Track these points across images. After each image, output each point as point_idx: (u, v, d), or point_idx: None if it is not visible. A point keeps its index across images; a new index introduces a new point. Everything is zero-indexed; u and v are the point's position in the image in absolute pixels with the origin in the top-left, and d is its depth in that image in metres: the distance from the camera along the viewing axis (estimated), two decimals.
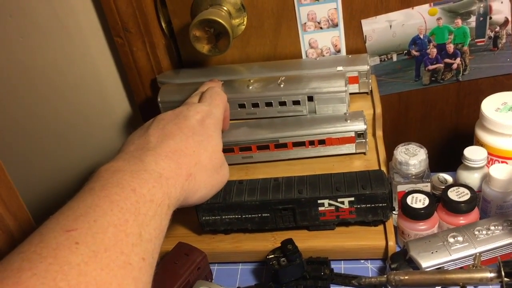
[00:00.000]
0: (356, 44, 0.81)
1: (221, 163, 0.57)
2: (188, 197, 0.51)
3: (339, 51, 0.82)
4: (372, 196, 0.64)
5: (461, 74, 0.82)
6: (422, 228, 0.63)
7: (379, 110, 0.75)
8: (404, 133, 0.90)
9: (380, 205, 0.65)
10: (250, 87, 0.76)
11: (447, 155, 0.87)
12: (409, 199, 0.63)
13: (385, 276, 0.52)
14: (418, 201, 0.63)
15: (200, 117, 0.56)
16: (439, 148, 0.90)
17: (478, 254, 0.54)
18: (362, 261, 0.67)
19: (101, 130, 0.94)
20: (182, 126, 0.54)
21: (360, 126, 0.71)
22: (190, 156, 0.51)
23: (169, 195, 0.46)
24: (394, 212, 0.68)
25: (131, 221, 0.40)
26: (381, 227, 0.68)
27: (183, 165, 0.50)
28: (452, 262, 0.58)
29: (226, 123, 0.65)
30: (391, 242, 0.65)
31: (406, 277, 0.51)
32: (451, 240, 0.59)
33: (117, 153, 0.51)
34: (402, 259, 0.60)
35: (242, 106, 0.77)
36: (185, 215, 0.75)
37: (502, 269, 0.49)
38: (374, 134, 0.77)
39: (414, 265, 0.59)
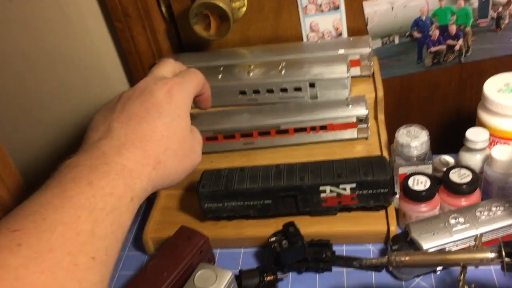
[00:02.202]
0: (357, 27, 0.80)
1: (190, 146, 0.52)
2: (157, 186, 0.47)
3: (340, 34, 0.81)
4: (374, 182, 0.64)
5: (463, 56, 0.82)
6: (423, 210, 0.63)
7: (381, 93, 0.74)
8: (406, 116, 0.89)
9: (382, 191, 0.65)
10: (251, 74, 0.76)
11: (449, 137, 0.86)
12: (410, 182, 0.63)
13: (386, 257, 0.52)
14: (420, 183, 0.63)
15: (167, 90, 0.50)
16: (441, 130, 0.89)
17: (479, 235, 0.54)
18: (364, 244, 0.67)
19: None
20: (148, 106, 0.49)
21: (361, 111, 0.71)
22: (158, 141, 0.47)
23: (132, 187, 0.43)
24: (395, 196, 0.68)
25: (83, 218, 0.38)
26: (382, 212, 0.68)
27: (151, 152, 0.46)
28: (453, 243, 0.58)
29: (206, 103, 0.59)
30: (393, 227, 0.65)
31: (407, 258, 0.51)
32: (452, 221, 0.59)
33: (83, 137, 0.48)
34: (404, 240, 0.60)
35: (243, 92, 0.77)
36: (187, 202, 0.76)
37: (503, 249, 0.49)
38: (376, 118, 0.76)
39: (415, 247, 0.59)
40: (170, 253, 0.63)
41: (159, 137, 0.47)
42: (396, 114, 0.88)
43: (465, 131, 0.67)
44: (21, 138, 0.96)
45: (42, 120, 0.95)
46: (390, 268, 0.63)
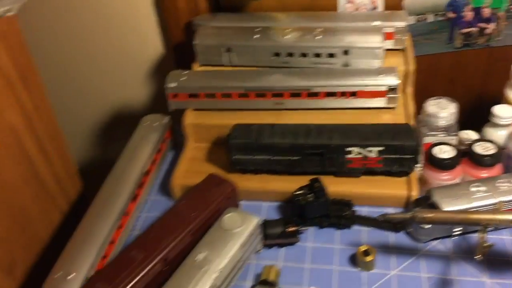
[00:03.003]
0: (393, 3, 0.82)
1: None
2: None
3: (375, 8, 0.83)
4: (401, 147, 0.67)
5: (493, 40, 0.84)
6: (445, 178, 0.65)
7: (412, 67, 0.77)
8: (431, 96, 0.91)
9: (407, 156, 0.67)
10: (286, 37, 0.78)
11: (472, 119, 0.89)
12: (435, 150, 0.66)
13: (410, 213, 0.54)
14: (444, 152, 0.65)
15: None
16: (464, 112, 0.91)
17: (500, 201, 0.56)
18: (384, 207, 0.70)
19: (133, 67, 0.96)
20: None
21: (392, 80, 0.73)
22: None
23: None
24: (418, 165, 0.70)
25: None
26: (404, 178, 0.70)
27: None
28: (473, 210, 0.61)
29: None
30: (414, 192, 0.68)
31: (431, 215, 0.54)
32: (473, 189, 0.62)
33: None
34: (425, 203, 0.63)
35: (277, 54, 0.79)
36: (214, 155, 0.79)
37: None
38: (404, 91, 0.79)
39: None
40: (199, 197, 0.66)
41: None
42: (422, 93, 0.90)
43: (488, 114, 0.69)
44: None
45: (75, 63, 0.97)
46: (408, 230, 0.65)
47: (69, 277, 0.59)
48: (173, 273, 0.58)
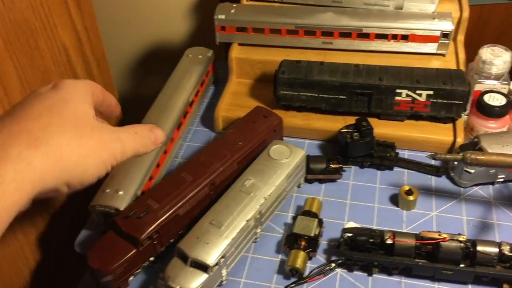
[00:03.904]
0: None
1: (92, 127, 0.44)
2: (54, 169, 0.40)
3: None
4: (451, 92, 0.66)
5: None
6: (493, 126, 0.66)
7: (466, 13, 0.75)
8: (476, 51, 0.90)
9: (457, 102, 0.67)
10: None
11: None
12: (486, 97, 0.65)
13: (462, 154, 0.55)
14: (495, 100, 0.65)
15: (52, 86, 0.45)
16: None
17: None
18: (427, 152, 0.70)
19: (176, 1, 0.95)
20: (28, 98, 0.44)
21: (447, 26, 0.72)
22: (34, 120, 0.40)
23: None
24: (465, 113, 0.70)
25: None
26: (450, 125, 0.70)
27: (21, 132, 0.39)
28: None
29: (111, 109, 0.52)
30: (459, 139, 0.68)
31: (483, 157, 0.54)
32: None
33: None
34: (471, 149, 0.63)
35: None
36: (257, 91, 0.79)
37: None
38: (454, 39, 0.77)
39: None
40: (247, 127, 0.67)
41: (36, 115, 0.41)
42: (468, 44, 0.88)
43: None
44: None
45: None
46: (451, 175, 0.66)
47: (118, 194, 0.61)
48: (219, 198, 0.60)
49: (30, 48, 0.63)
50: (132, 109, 0.86)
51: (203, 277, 0.53)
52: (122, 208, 0.59)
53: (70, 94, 0.44)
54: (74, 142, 0.42)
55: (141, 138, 0.50)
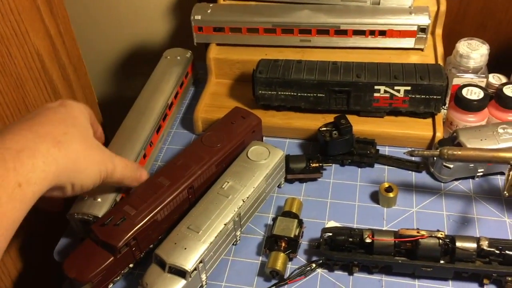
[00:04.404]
0: None
1: (96, 143, 0.52)
2: (67, 169, 0.46)
3: None
4: (429, 87, 0.66)
5: None
6: (472, 120, 0.65)
7: (443, 7, 0.75)
8: (456, 41, 0.90)
9: (435, 97, 0.67)
10: None
11: (500, 66, 0.87)
12: (464, 91, 0.65)
13: (439, 149, 0.55)
14: (473, 94, 0.65)
15: (59, 103, 0.52)
16: (493, 58, 0.90)
17: None
18: (407, 148, 0.70)
19: (154, 2, 0.94)
20: (41, 111, 0.49)
21: (424, 20, 0.72)
22: (55, 126, 0.47)
23: (18, 170, 0.40)
24: (444, 107, 0.70)
25: None
26: (429, 120, 0.70)
27: (47, 134, 0.45)
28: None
29: (98, 134, 0.58)
30: (439, 133, 0.68)
31: (460, 152, 0.54)
32: (500, 130, 0.62)
33: None
34: (450, 144, 0.63)
35: None
36: (236, 91, 0.78)
37: None
38: (432, 33, 0.77)
39: None
40: (225, 128, 0.66)
41: (56, 123, 0.47)
42: (447, 39, 0.88)
43: None
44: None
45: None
46: (431, 170, 0.66)
47: (97, 201, 0.60)
48: (197, 201, 0.59)
49: (1, 55, 0.62)
50: (113, 111, 0.85)
51: (181, 283, 0.52)
52: (100, 215, 0.59)
53: (77, 113, 0.52)
54: (85, 151, 0.49)
55: (129, 171, 0.57)
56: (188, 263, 0.52)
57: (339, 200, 0.65)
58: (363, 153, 0.67)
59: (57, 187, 0.47)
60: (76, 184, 0.49)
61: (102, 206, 0.60)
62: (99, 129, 0.59)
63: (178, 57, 0.81)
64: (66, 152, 0.46)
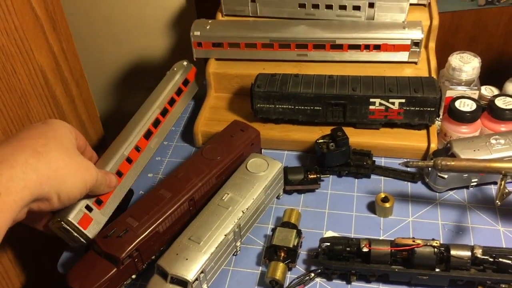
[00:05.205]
0: None
1: (77, 153, 0.54)
2: (50, 178, 0.47)
3: None
4: (423, 100, 0.68)
5: None
6: (465, 131, 0.67)
7: (436, 21, 0.77)
8: (450, 54, 0.92)
9: (429, 109, 0.68)
10: None
11: (492, 78, 0.89)
12: (457, 103, 0.67)
13: (433, 160, 0.56)
14: (466, 105, 0.66)
15: (42, 122, 0.54)
16: (485, 71, 0.92)
17: None
18: (403, 159, 0.71)
19: (154, 19, 0.96)
20: (24, 128, 0.52)
21: (417, 34, 0.74)
22: (34, 139, 0.49)
23: None
24: (438, 119, 0.72)
25: None
26: (423, 131, 0.72)
27: (25, 146, 0.47)
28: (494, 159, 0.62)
29: (89, 154, 0.61)
30: (433, 144, 0.69)
31: (453, 163, 0.55)
32: (493, 141, 0.63)
33: None
34: (444, 155, 0.64)
35: (302, 6, 0.79)
36: (236, 104, 0.80)
37: None
38: (426, 46, 0.79)
39: None
40: (224, 141, 0.68)
41: (35, 136, 0.49)
42: (441, 52, 0.90)
43: (509, 71, 0.70)
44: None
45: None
46: (426, 180, 0.67)
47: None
48: (198, 213, 0.61)
49: (6, 72, 0.64)
50: (115, 126, 0.87)
51: None
52: (70, 218, 0.58)
53: (58, 127, 0.54)
54: (67, 159, 0.50)
55: (103, 178, 0.59)
56: (190, 274, 0.53)
57: (336, 210, 0.66)
58: (359, 164, 0.69)
59: (43, 198, 0.48)
60: (62, 194, 0.50)
61: (71, 208, 0.59)
62: (88, 148, 0.61)
63: (175, 68, 0.82)
64: (46, 161, 0.47)
